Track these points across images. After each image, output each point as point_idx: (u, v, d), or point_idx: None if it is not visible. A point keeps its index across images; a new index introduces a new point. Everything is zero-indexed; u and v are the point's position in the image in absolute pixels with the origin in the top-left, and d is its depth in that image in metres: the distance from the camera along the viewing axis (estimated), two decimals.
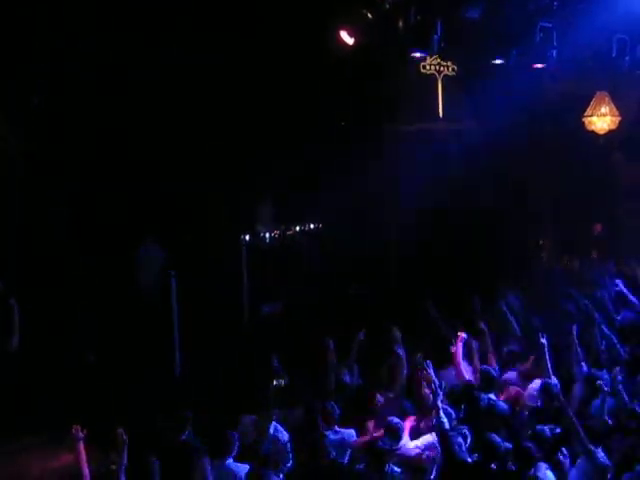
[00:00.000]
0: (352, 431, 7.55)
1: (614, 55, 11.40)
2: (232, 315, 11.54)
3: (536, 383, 8.24)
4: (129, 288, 10.99)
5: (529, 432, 7.14)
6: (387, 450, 6.84)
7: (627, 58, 11.27)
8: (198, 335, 10.56)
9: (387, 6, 10.49)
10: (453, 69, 13.15)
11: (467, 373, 8.67)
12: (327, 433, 7.29)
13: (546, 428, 7.07)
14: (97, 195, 10.82)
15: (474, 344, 8.95)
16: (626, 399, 7.69)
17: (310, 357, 9.06)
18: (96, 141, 10.70)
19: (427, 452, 7.13)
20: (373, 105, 12.91)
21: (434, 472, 6.86)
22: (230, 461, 6.83)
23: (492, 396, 8.04)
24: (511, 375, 8.78)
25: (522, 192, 14.09)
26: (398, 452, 7.05)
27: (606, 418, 7.45)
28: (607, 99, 12.33)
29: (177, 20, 10.37)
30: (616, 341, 9.11)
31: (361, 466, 6.84)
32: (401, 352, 8.80)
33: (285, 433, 7.34)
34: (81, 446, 6.20)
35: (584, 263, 13.16)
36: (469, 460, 6.76)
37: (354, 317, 10.38)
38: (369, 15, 10.80)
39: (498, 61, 11.34)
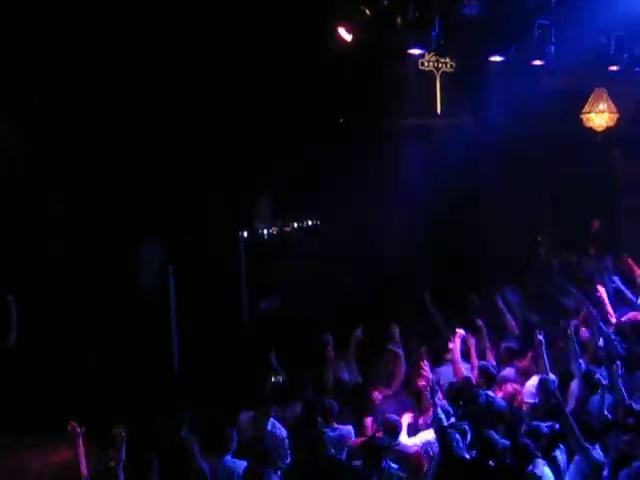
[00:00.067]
0: (350, 428, 7.59)
1: (612, 52, 11.42)
2: (230, 312, 11.57)
3: (534, 380, 8.26)
4: (129, 288, 11.01)
5: (525, 428, 7.16)
6: (385, 447, 6.87)
7: (625, 55, 11.28)
8: (196, 332, 10.60)
9: (385, 2, 10.50)
10: (451, 66, 13.15)
11: (465, 370, 8.70)
12: (325, 430, 7.31)
13: (542, 424, 7.10)
14: (97, 195, 10.84)
15: (472, 341, 8.98)
16: (624, 396, 7.72)
17: (308, 354, 9.09)
18: (96, 141, 10.71)
19: (425, 449, 7.17)
20: (371, 102, 12.91)
21: (431, 469, 6.89)
22: (228, 457, 6.86)
23: (490, 393, 8.07)
24: (509, 372, 8.81)
25: (521, 188, 14.09)
26: (396, 449, 7.09)
27: (606, 413, 7.49)
28: (605, 96, 12.34)
29: (177, 20, 10.38)
30: (614, 338, 9.13)
31: (359, 463, 6.87)
32: (399, 349, 8.83)
33: (283, 430, 7.37)
34: (80, 443, 6.22)
35: (582, 259, 13.18)
36: (467, 457, 6.80)
37: (353, 314, 10.40)
38: (367, 11, 10.81)
39: (496, 58, 11.35)
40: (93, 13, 9.84)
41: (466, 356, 8.82)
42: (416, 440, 7.30)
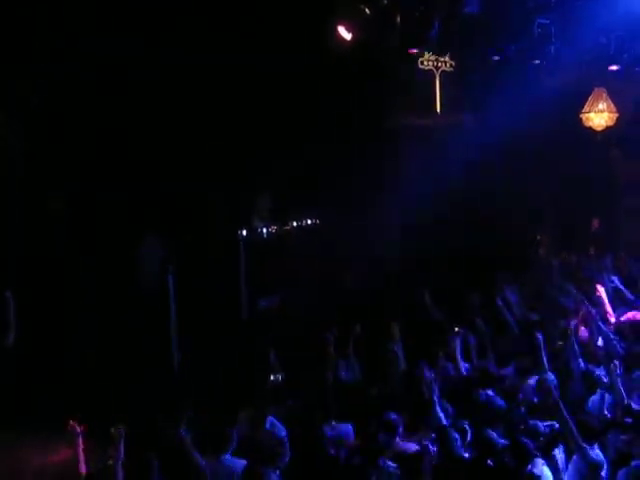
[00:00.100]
0: (349, 426, 7.59)
1: (612, 52, 11.43)
2: (229, 310, 11.57)
3: (534, 379, 8.27)
4: (129, 287, 11.01)
5: (522, 427, 7.17)
6: (384, 446, 6.87)
7: (625, 55, 11.29)
8: (196, 330, 10.60)
9: (385, 1, 10.51)
10: (451, 65, 13.14)
11: (464, 368, 8.71)
12: (324, 428, 7.32)
13: (539, 423, 7.11)
14: (97, 195, 10.84)
15: (471, 339, 8.98)
16: (623, 395, 7.72)
17: (308, 352, 9.10)
18: (96, 141, 10.71)
19: (424, 448, 7.16)
20: (371, 101, 12.92)
21: (429, 468, 6.88)
22: (228, 457, 6.86)
23: (489, 392, 8.07)
24: (508, 371, 8.82)
25: (520, 188, 14.10)
26: (395, 448, 7.09)
27: (606, 412, 7.49)
28: (605, 96, 12.33)
29: (177, 20, 10.38)
30: (613, 337, 9.14)
31: (358, 461, 6.87)
32: (399, 348, 8.84)
33: (282, 428, 7.38)
34: (79, 442, 6.23)
35: (582, 259, 13.18)
36: (466, 456, 6.80)
37: (352, 313, 10.41)
38: (367, 10, 10.82)
39: (496, 57, 11.36)
40: (93, 13, 9.84)
41: (466, 355, 8.83)
42: (415, 439, 7.30)
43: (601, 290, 10.13)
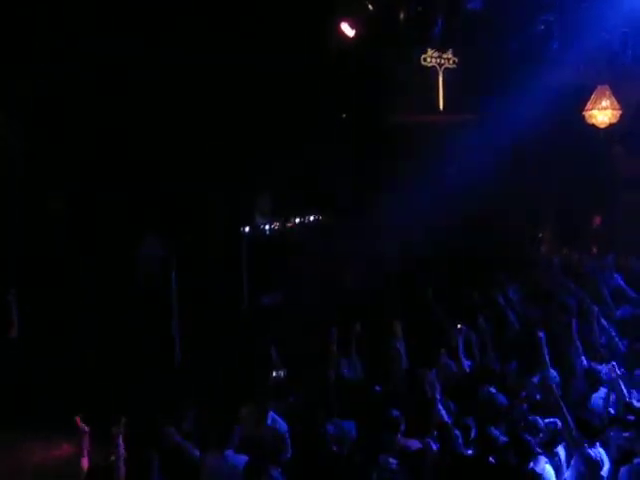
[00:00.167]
0: (352, 423, 7.59)
1: (616, 48, 11.41)
2: (232, 307, 11.58)
3: (537, 376, 8.27)
4: (129, 287, 11.01)
5: (522, 423, 7.17)
6: (386, 443, 6.87)
7: (629, 52, 11.27)
8: (198, 328, 10.61)
9: None
10: (454, 61, 13.13)
11: (466, 366, 8.71)
12: (327, 425, 7.32)
13: (539, 419, 7.10)
14: (97, 194, 10.83)
15: (473, 337, 8.98)
16: (624, 393, 7.72)
17: (310, 349, 9.10)
18: (96, 141, 10.70)
19: (426, 445, 7.16)
20: (373, 98, 12.90)
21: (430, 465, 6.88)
22: (230, 453, 6.87)
23: (491, 389, 8.07)
24: (511, 368, 8.80)
25: (522, 186, 14.07)
26: (398, 445, 7.08)
27: (610, 410, 7.49)
28: (608, 92, 12.29)
29: (177, 20, 10.37)
30: (615, 335, 9.13)
31: (359, 458, 6.87)
32: (401, 346, 8.83)
33: (284, 424, 7.38)
34: (86, 440, 6.23)
35: (583, 256, 13.15)
36: (467, 453, 6.80)
37: (354, 311, 10.41)
38: (370, 7, 10.80)
39: (499, 53, 11.34)
40: (93, 13, 9.83)
41: (468, 352, 8.82)
42: (417, 437, 7.29)
43: (603, 287, 10.13)
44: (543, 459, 6.67)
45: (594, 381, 8.02)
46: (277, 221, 13.13)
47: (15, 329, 8.75)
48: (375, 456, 6.60)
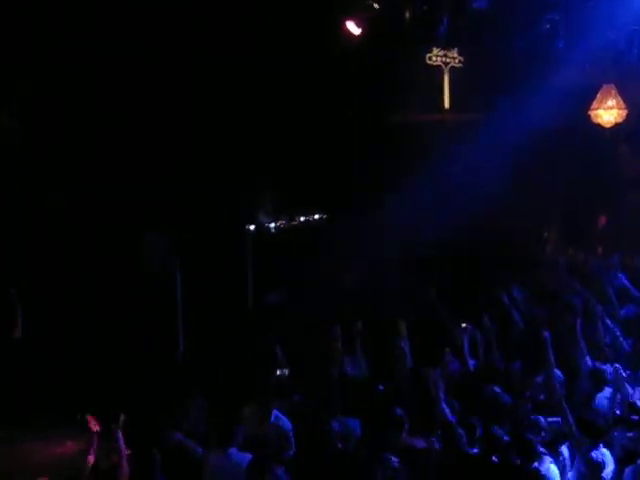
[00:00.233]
0: (356, 421, 7.59)
1: (622, 47, 11.39)
2: (236, 305, 11.59)
3: (542, 376, 8.25)
4: (132, 286, 11.01)
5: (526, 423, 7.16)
6: (390, 441, 6.87)
7: (635, 51, 11.25)
8: (203, 326, 10.61)
9: None
10: (460, 60, 13.11)
11: (471, 365, 8.70)
12: (332, 423, 7.32)
13: (541, 417, 7.10)
14: (102, 190, 10.83)
15: (478, 336, 8.97)
16: (629, 392, 7.71)
17: (314, 347, 9.10)
18: (96, 140, 10.70)
19: (430, 444, 7.16)
20: (378, 97, 12.88)
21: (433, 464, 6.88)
22: (234, 451, 6.87)
23: (496, 388, 8.06)
24: (515, 367, 8.80)
25: (527, 185, 14.05)
26: (402, 443, 7.08)
27: (615, 410, 7.48)
28: (614, 92, 12.26)
29: (178, 18, 10.37)
30: (619, 335, 9.12)
31: (363, 456, 6.87)
32: (405, 345, 8.83)
33: (287, 422, 7.38)
34: (95, 439, 6.23)
35: (589, 256, 13.13)
36: (471, 452, 6.79)
37: (358, 310, 10.41)
38: (376, 5, 10.80)
39: (504, 52, 11.33)
40: (93, 13, 9.83)
41: (472, 351, 8.81)
42: (421, 435, 7.29)
43: (608, 287, 10.12)
44: (548, 459, 6.67)
45: (599, 381, 8.01)
46: (282, 220, 13.12)
47: (19, 329, 8.76)
48: (379, 454, 6.59)
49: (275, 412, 7.42)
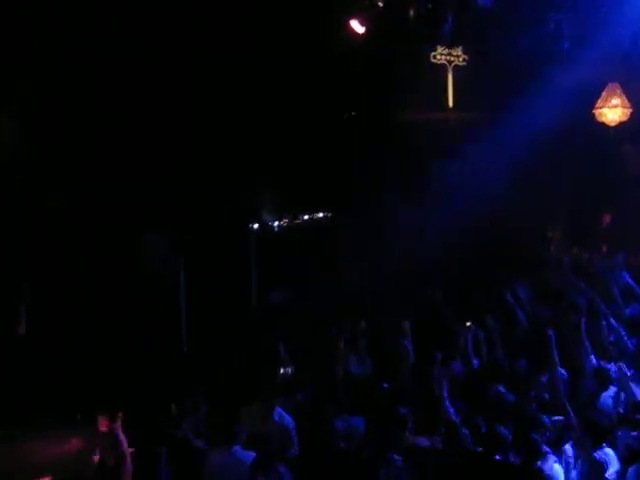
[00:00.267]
0: (360, 419, 7.59)
1: (627, 46, 11.36)
2: (240, 304, 11.59)
3: (546, 375, 8.24)
4: (135, 287, 11.01)
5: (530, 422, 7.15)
6: (394, 440, 6.86)
7: None
8: (206, 325, 10.62)
9: None
10: (464, 59, 13.09)
11: (475, 364, 8.69)
12: (335, 421, 7.32)
13: (545, 416, 7.09)
14: (95, 195, 10.81)
15: (481, 335, 8.96)
16: (633, 391, 7.69)
17: (318, 346, 9.11)
18: (96, 141, 10.69)
19: (434, 443, 7.16)
20: (382, 95, 12.87)
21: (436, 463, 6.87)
22: (238, 449, 6.88)
23: (500, 387, 8.05)
24: (520, 366, 8.79)
25: (531, 183, 14.02)
26: (406, 443, 7.07)
27: (619, 409, 7.46)
28: (618, 90, 12.24)
29: (179, 16, 10.36)
30: (624, 334, 9.10)
31: (367, 454, 6.87)
32: (409, 344, 8.83)
33: (290, 419, 7.39)
34: (102, 438, 6.23)
35: (593, 255, 13.11)
36: (474, 451, 6.79)
37: (362, 308, 10.41)
38: (380, 4, 10.79)
39: (509, 51, 11.31)
40: (93, 13, 9.83)
41: (476, 351, 8.81)
42: (425, 435, 7.29)
43: (612, 286, 10.09)
44: (552, 458, 6.66)
45: (604, 380, 7.99)
46: (285, 218, 13.11)
47: (23, 326, 8.77)
48: (383, 453, 6.59)
49: (278, 410, 7.43)
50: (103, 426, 6.27)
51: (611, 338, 9.01)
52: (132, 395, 8.45)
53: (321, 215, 13.39)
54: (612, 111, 12.15)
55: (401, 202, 13.20)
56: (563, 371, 8.14)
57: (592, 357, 8.45)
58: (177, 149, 11.27)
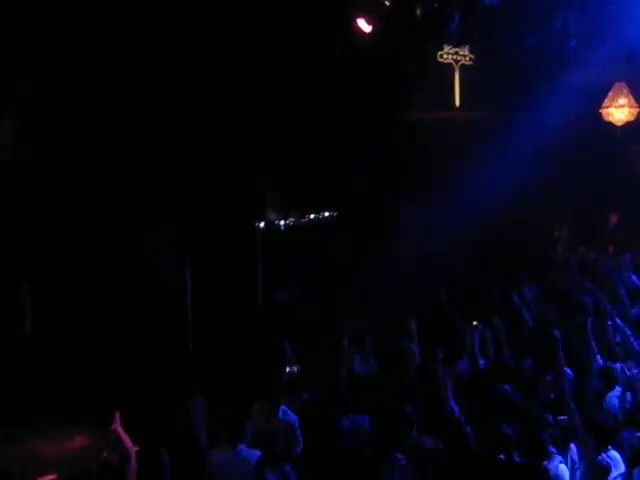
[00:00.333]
0: (365, 418, 7.59)
1: (634, 46, 11.34)
2: (246, 303, 11.60)
3: (551, 375, 8.22)
4: (139, 286, 11.03)
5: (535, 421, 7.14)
6: (399, 439, 6.86)
7: None
8: (212, 323, 10.63)
9: None
10: (471, 58, 13.08)
11: (481, 364, 8.68)
12: (340, 420, 7.32)
13: (548, 415, 7.08)
14: (97, 195, 10.82)
15: (488, 335, 8.95)
16: (638, 392, 7.67)
17: (323, 345, 9.11)
18: (96, 140, 10.69)
19: (438, 443, 7.16)
20: (389, 95, 12.86)
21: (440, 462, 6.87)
22: (243, 447, 6.89)
23: (506, 387, 8.04)
24: (526, 366, 8.77)
25: (538, 182, 14.00)
26: (412, 442, 7.06)
27: (626, 408, 7.45)
28: (625, 90, 12.22)
29: (180, 16, 10.35)
30: (630, 334, 9.08)
31: (371, 453, 6.87)
32: (414, 343, 8.83)
33: (294, 416, 7.39)
34: (110, 436, 6.23)
35: (600, 255, 13.09)
36: (479, 451, 6.78)
37: (368, 308, 10.41)
38: (387, 3, 10.78)
39: (516, 50, 11.29)
40: (93, 13, 9.83)
41: (482, 350, 8.80)
42: (431, 434, 7.28)
43: (619, 287, 10.07)
44: (558, 457, 6.65)
45: (609, 380, 7.98)
46: (292, 217, 13.12)
47: (29, 326, 8.79)
48: (388, 452, 6.59)
49: (283, 408, 7.44)
50: (116, 424, 6.27)
51: (617, 338, 9.00)
52: (136, 394, 8.47)
53: (327, 214, 13.39)
54: (619, 111, 12.14)
55: (408, 201, 13.19)
56: (569, 371, 8.14)
57: (598, 357, 8.44)
58: (181, 149, 11.28)
